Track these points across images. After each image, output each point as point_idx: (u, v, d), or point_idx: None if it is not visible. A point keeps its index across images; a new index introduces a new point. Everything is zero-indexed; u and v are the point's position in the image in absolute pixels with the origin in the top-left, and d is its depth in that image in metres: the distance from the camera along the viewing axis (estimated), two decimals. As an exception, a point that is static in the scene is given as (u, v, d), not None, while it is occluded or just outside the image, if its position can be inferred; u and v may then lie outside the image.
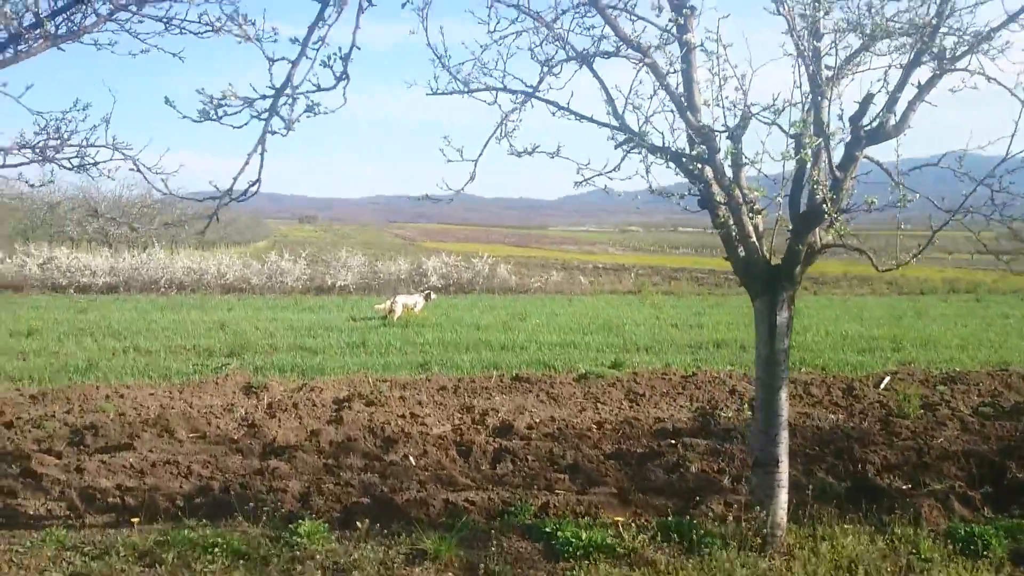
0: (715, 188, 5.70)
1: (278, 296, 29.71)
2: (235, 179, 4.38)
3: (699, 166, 5.66)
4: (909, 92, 5.32)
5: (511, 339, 16.22)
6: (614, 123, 5.70)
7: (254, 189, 4.52)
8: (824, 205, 5.20)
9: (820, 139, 5.11)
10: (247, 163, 4.32)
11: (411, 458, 7.74)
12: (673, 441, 8.85)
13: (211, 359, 13.94)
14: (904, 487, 7.01)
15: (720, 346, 16.08)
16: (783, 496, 5.61)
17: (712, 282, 40.82)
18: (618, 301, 27.36)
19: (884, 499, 6.47)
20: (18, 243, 34.08)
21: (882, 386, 12.15)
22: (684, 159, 5.57)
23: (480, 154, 5.31)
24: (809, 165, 5.49)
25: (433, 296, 22.02)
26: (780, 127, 5.13)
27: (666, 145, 5.49)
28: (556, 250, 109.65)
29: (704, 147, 5.44)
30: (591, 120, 5.75)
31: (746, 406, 10.86)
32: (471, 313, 21.50)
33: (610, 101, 5.75)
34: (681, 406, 11.35)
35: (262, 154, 4.35)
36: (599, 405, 11.09)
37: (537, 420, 9.88)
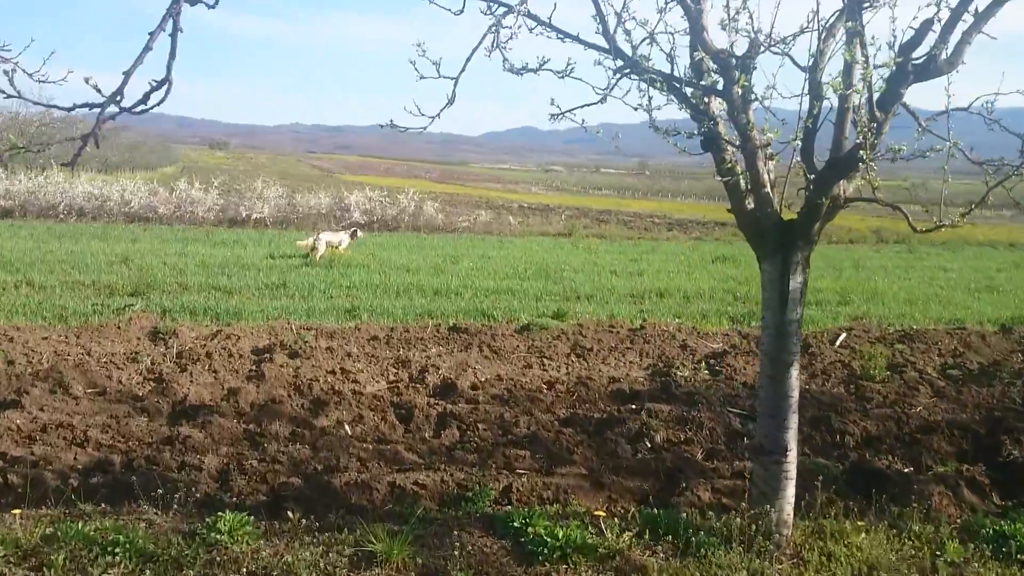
0: (724, 127, 4.81)
1: (188, 227, 27.87)
2: (127, 75, 3.25)
3: (706, 100, 4.75)
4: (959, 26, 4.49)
5: (444, 283, 15.23)
6: (604, 44, 4.72)
7: (160, 94, 3.40)
8: (861, 152, 4.36)
9: (870, 70, 4.24)
10: (147, 49, 3.20)
11: (346, 426, 6.77)
12: (634, 406, 8.11)
13: (112, 298, 12.55)
14: (906, 469, 6.42)
15: (663, 295, 15.46)
16: (790, 490, 4.89)
17: (640, 226, 40.43)
18: (550, 244, 26.57)
19: (887, 485, 5.85)
20: None
21: (837, 343, 11.69)
22: (693, 90, 4.65)
23: (462, 70, 4.25)
24: (838, 104, 4.64)
25: (359, 234, 20.78)
26: (792, 61, 4.26)
27: (673, 73, 4.55)
28: (480, 188, 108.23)
29: (719, 77, 4.53)
30: (577, 40, 4.74)
31: (702, 365, 10.22)
32: (399, 253, 20.36)
33: (600, 18, 4.75)
34: (632, 363, 10.64)
35: (173, 36, 3.23)
36: (545, 361, 10.28)
37: (482, 379, 9.00)
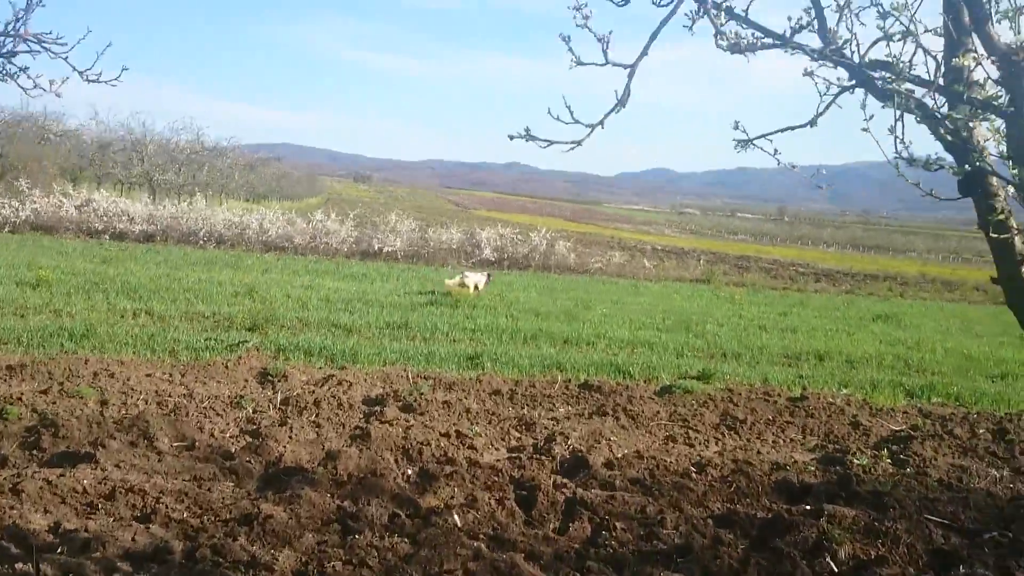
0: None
1: (321, 258, 27.85)
2: None
3: (971, 124, 3.36)
4: None
5: (575, 332, 14.00)
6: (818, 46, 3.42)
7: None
8: None
9: None
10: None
11: (455, 515, 5.59)
12: (808, 507, 6.58)
13: (229, 332, 11.98)
14: None
15: (822, 358, 13.66)
16: None
17: (784, 275, 38.02)
18: (688, 291, 24.94)
19: None
20: (58, 183, 32.67)
21: (1045, 432, 9.70)
22: (953, 110, 3.27)
23: (642, 55, 3.05)
24: None
25: (492, 277, 20.24)
26: None
27: (935, 80, 3.20)
28: (611, 228, 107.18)
29: (1002, 89, 3.15)
30: (784, 43, 3.46)
31: (884, 453, 8.51)
32: (528, 295, 19.32)
33: (817, 10, 3.46)
34: (794, 441, 9.06)
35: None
36: (691, 433, 8.84)
37: (619, 455, 7.68)
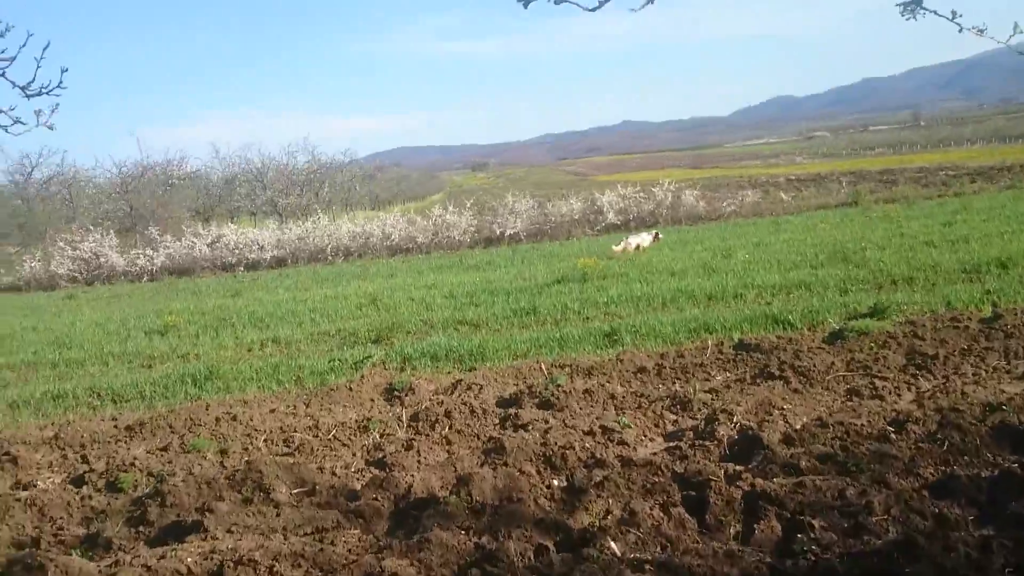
0: None
1: (445, 253, 27.48)
2: None
3: None
4: None
5: (719, 285, 12.70)
6: None
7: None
8: None
9: None
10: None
11: (612, 544, 4.63)
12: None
13: (355, 348, 11.47)
14: None
15: (1007, 266, 11.81)
16: None
17: (936, 182, 34.77)
18: (836, 218, 22.92)
19: None
20: (189, 225, 33.79)
21: None
22: None
23: None
24: None
25: (660, 236, 20.99)
26: None
27: None
28: (738, 167, 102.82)
29: None
30: None
31: None
32: (660, 253, 18.07)
33: None
34: (998, 370, 7.63)
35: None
36: (877, 383, 7.52)
37: (797, 425, 6.50)
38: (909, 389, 7.45)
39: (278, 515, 5.75)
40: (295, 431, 7.90)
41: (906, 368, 8.00)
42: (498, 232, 29.32)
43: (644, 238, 20.34)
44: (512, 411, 7.73)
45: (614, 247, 19.79)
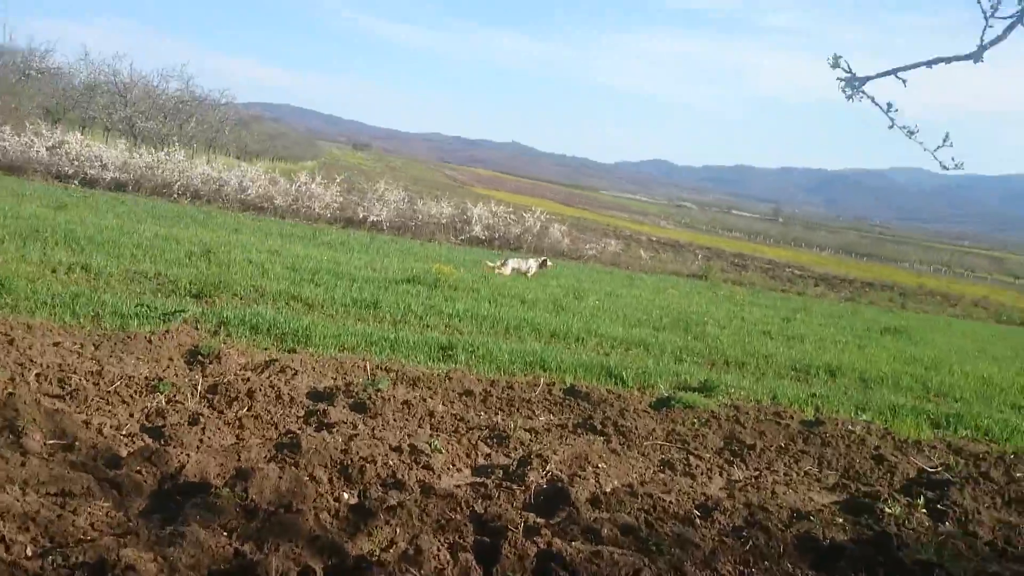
0: None
1: (300, 223, 26.35)
2: None
3: None
4: None
5: (564, 324, 12.58)
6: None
7: None
8: None
9: None
10: None
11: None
12: (843, 580, 5.21)
13: (170, 298, 10.52)
14: None
15: (835, 374, 12.30)
16: None
17: (782, 276, 36.70)
18: (687, 287, 23.60)
19: None
20: (32, 122, 30.88)
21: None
22: None
23: None
24: None
25: (549, 264, 20.16)
26: None
27: None
28: (607, 215, 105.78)
29: None
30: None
31: (920, 501, 7.15)
32: (514, 280, 17.88)
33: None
34: (810, 476, 7.72)
35: None
36: (692, 459, 7.47)
37: (608, 488, 6.28)
38: (721, 475, 7.43)
39: (23, 465, 4.94)
40: (75, 373, 7.02)
41: (722, 452, 8.00)
42: (361, 215, 28.46)
43: (530, 265, 19.27)
44: (322, 407, 7.16)
45: (489, 263, 19.04)
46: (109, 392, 6.69)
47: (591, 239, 32.76)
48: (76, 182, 26.59)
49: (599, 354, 11.13)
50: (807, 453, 8.33)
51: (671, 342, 12.53)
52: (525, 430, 7.57)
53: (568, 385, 9.24)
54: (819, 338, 15.18)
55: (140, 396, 6.78)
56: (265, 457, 5.75)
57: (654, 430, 8.15)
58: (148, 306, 9.60)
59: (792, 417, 9.33)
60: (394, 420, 7.19)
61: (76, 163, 27.34)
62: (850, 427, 9.19)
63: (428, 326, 11.42)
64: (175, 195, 27.11)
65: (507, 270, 18.47)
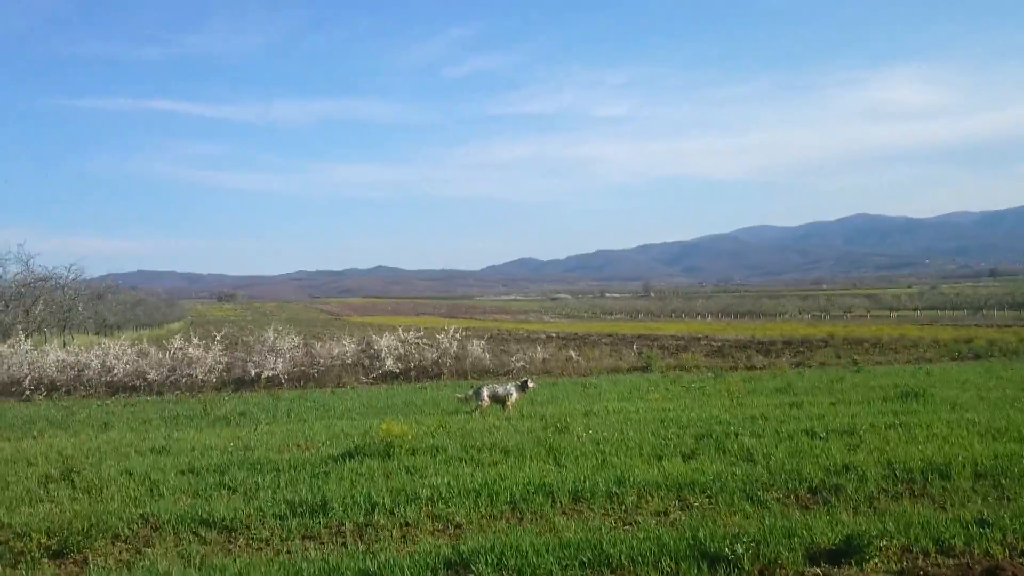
0: None
1: (183, 395, 22.21)
2: None
3: None
4: None
5: (576, 477, 9.28)
6: None
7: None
8: None
9: None
10: None
11: None
12: None
13: (17, 568, 6.70)
14: None
15: (947, 476, 9.32)
16: None
17: (720, 352, 34.62)
18: (646, 385, 20.77)
19: None
20: None
21: None
22: None
23: None
24: None
25: (531, 384, 16.83)
26: None
27: None
28: (490, 319, 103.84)
29: None
30: None
31: None
32: (471, 420, 14.56)
33: None
34: None
35: None
36: None
37: None
38: None
39: None
40: None
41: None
42: (253, 373, 24.53)
43: (509, 390, 16.00)
44: None
45: (458, 396, 16.61)
46: None
47: (513, 349, 29.75)
48: None
49: (660, 521, 7.91)
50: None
51: (721, 475, 9.39)
52: None
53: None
54: (871, 425, 12.30)
55: None
56: None
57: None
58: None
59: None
60: None
61: None
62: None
63: (408, 525, 7.94)
64: (27, 391, 22.53)
65: (484, 403, 15.58)
